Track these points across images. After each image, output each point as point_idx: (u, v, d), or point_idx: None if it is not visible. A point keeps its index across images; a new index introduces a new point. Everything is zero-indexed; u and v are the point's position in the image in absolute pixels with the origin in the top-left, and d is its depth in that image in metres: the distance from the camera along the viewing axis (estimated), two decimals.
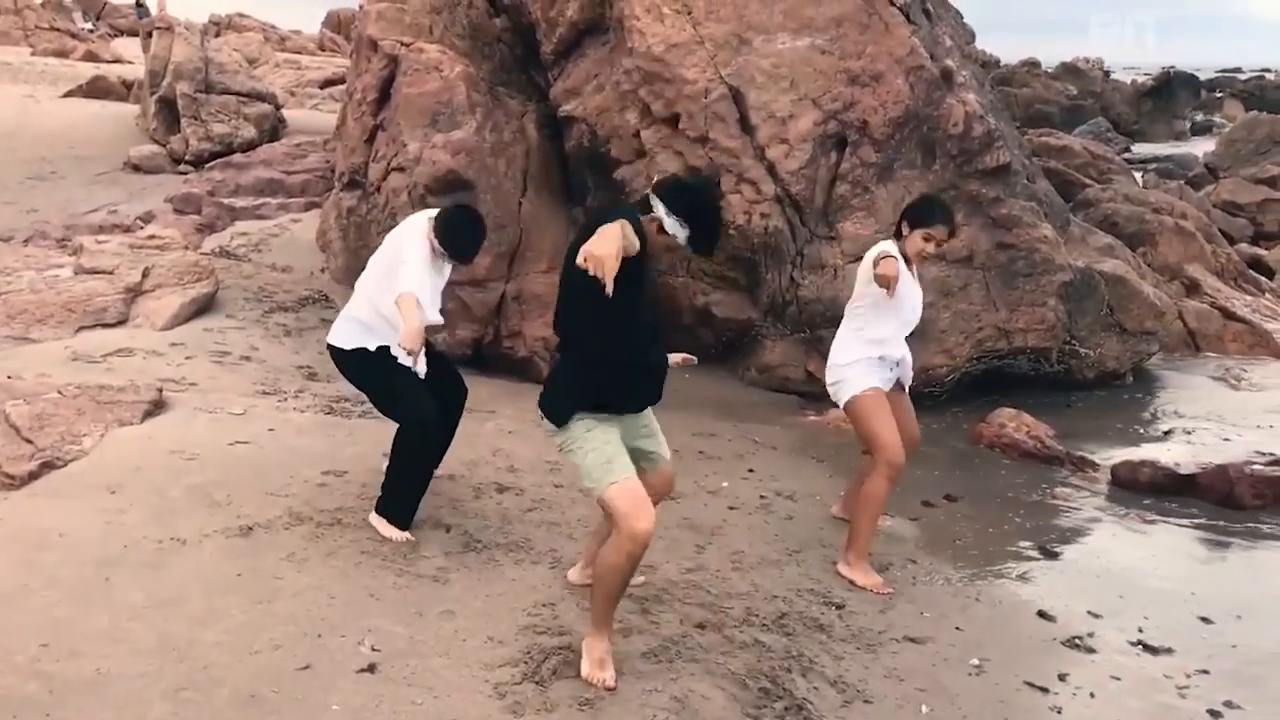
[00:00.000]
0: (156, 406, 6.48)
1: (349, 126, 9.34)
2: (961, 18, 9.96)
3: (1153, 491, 6.97)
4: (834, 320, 8.42)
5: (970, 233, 8.22)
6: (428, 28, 9.09)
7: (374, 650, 4.12)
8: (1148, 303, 9.28)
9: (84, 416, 6.04)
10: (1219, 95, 49.83)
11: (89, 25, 43.66)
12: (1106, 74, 51.28)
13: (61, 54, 30.63)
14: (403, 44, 8.68)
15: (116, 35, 42.90)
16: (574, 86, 8.88)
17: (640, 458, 4.17)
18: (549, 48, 9.16)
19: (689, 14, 8.18)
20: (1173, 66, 49.26)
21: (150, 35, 14.95)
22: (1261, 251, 15.43)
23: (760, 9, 8.17)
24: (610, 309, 3.75)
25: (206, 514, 5.16)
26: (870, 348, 5.29)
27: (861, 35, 8.13)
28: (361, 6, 9.24)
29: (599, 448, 3.98)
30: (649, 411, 4.28)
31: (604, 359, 4.01)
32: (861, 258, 8.16)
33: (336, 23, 42.57)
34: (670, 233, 3.81)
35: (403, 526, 5.12)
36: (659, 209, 3.82)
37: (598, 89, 8.51)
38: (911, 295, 5.32)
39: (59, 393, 6.19)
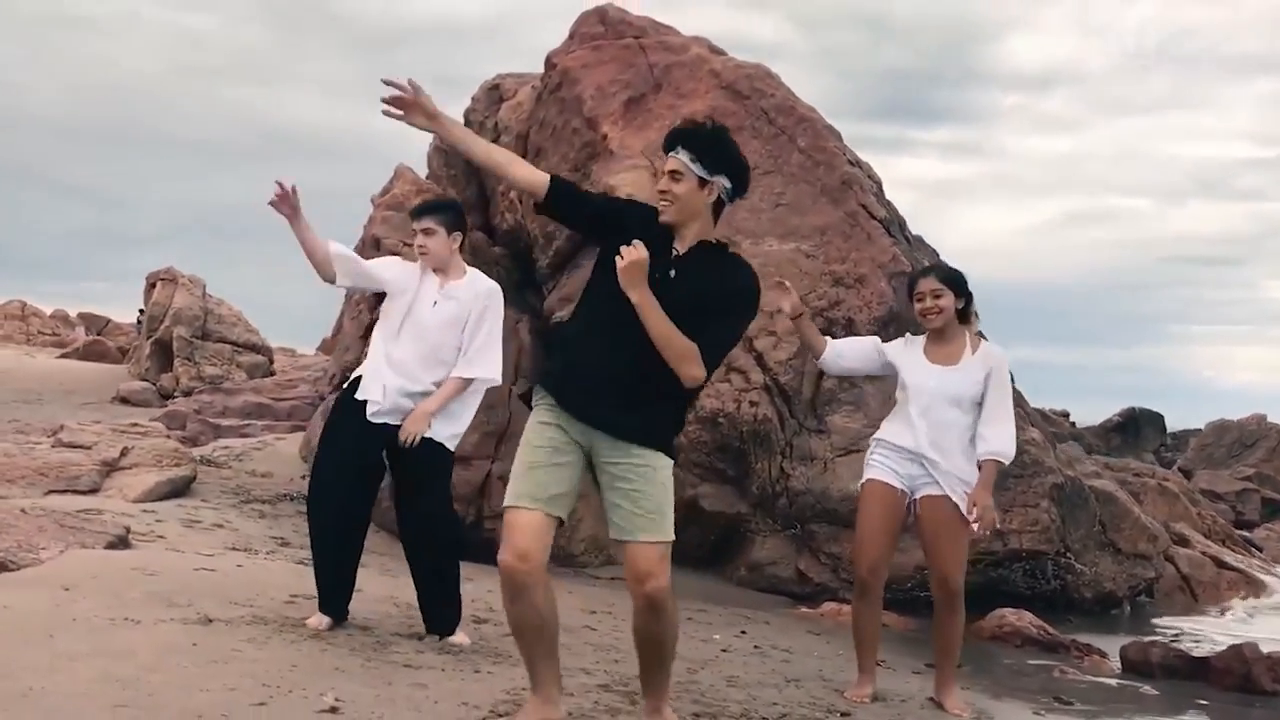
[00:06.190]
0: (121, 541, 6.19)
1: (345, 329, 9.50)
2: (938, 255, 10.45)
3: (1165, 674, 6.61)
4: (825, 514, 8.31)
5: None
6: None
7: (337, 700, 3.76)
8: (1140, 524, 9.16)
9: (44, 534, 5.76)
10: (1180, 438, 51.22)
11: (90, 339, 45.16)
12: (1073, 424, 53.10)
13: (60, 345, 31.45)
14: (405, 244, 8.99)
15: None
16: (569, 294, 9.13)
17: (610, 516, 3.46)
18: (545, 261, 9.51)
19: None
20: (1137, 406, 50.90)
21: (154, 286, 15.45)
22: (1245, 533, 15.37)
23: (748, 216, 8.57)
24: (599, 286, 3.54)
25: (163, 609, 4.81)
26: (881, 434, 5.01)
27: (845, 243, 8.50)
28: (371, 217, 9.65)
29: (520, 454, 3.47)
30: (630, 458, 3.41)
31: (568, 326, 3.78)
32: (850, 451, 8.19)
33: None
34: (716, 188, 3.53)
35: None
36: (695, 169, 3.48)
37: None
38: (925, 386, 4.88)
39: (22, 511, 5.93)
